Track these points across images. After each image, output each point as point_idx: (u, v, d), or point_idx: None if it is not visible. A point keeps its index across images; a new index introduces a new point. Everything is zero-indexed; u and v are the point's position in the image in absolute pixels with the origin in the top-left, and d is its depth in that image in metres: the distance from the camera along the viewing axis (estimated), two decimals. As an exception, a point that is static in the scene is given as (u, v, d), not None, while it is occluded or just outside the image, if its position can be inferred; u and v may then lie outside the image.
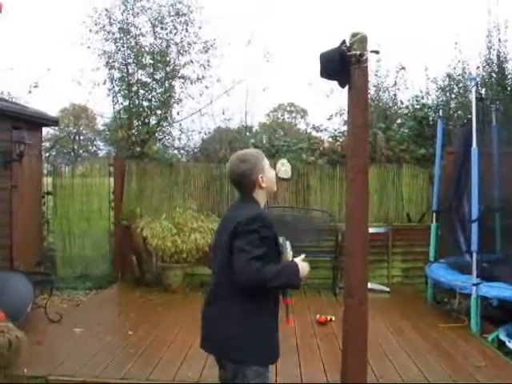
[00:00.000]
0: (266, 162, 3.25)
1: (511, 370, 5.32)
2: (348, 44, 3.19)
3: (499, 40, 10.51)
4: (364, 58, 3.19)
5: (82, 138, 36.36)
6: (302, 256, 3.18)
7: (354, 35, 3.18)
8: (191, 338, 5.96)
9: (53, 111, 25.78)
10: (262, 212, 3.12)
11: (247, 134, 12.04)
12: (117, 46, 10.43)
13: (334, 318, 6.83)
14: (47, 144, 16.02)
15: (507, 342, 6.03)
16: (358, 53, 3.16)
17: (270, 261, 2.94)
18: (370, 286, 8.12)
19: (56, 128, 20.33)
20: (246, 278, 2.88)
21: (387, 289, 8.87)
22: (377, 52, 3.31)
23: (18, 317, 6.17)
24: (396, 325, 6.92)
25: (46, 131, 17.69)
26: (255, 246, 2.92)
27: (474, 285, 6.56)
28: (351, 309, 3.32)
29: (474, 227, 6.69)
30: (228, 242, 3.02)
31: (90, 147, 36.61)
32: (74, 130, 33.56)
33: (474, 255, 6.63)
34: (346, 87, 3.35)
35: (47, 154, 11.55)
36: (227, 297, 3.05)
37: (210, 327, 3.15)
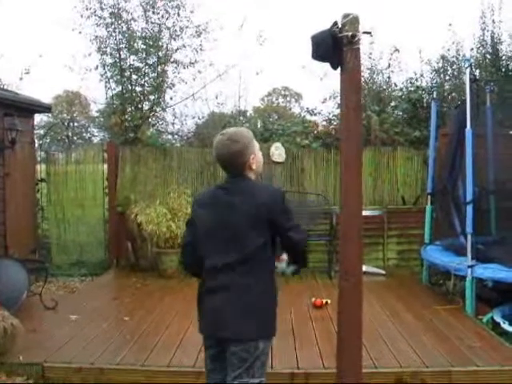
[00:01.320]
0: (256, 143, 3.23)
1: (506, 350, 5.33)
2: (339, 25, 3.15)
3: (493, 21, 10.48)
4: (356, 39, 3.15)
5: (76, 124, 36.23)
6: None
7: (345, 16, 3.13)
8: (187, 322, 5.96)
9: (46, 98, 25.71)
10: (275, 186, 3.31)
11: (241, 118, 12.00)
12: (108, 32, 10.36)
13: (329, 301, 6.82)
14: (41, 131, 15.94)
15: (502, 324, 6.04)
16: (350, 34, 3.12)
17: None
18: (365, 268, 8.17)
19: (50, 115, 20.23)
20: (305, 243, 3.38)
21: (383, 272, 8.88)
22: (369, 33, 3.27)
23: (13, 304, 6.17)
24: (391, 307, 6.93)
25: (40, 118, 17.66)
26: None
27: (468, 266, 6.57)
28: (346, 292, 3.31)
29: (469, 209, 6.69)
30: (255, 223, 3.06)
31: (85, 134, 36.49)
32: (68, 117, 33.43)
33: (469, 237, 6.63)
34: (339, 69, 3.32)
35: (41, 142, 11.45)
36: (245, 277, 3.07)
37: (221, 311, 3.10)
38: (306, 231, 3.25)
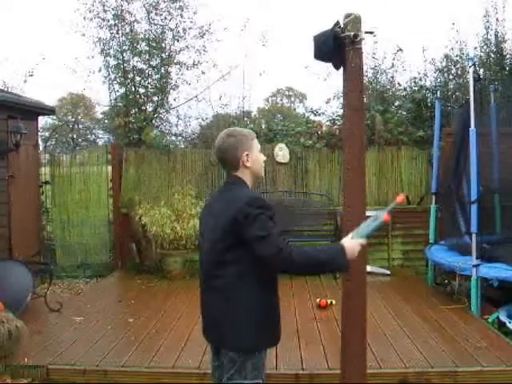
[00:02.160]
0: (256, 144, 3.14)
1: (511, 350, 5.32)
2: (342, 25, 3.15)
3: (497, 20, 10.45)
4: (358, 39, 3.15)
5: (80, 126, 36.29)
6: (350, 235, 3.03)
7: (347, 16, 3.13)
8: (191, 324, 5.97)
9: (51, 101, 25.78)
10: (255, 194, 3.08)
11: (245, 119, 11.99)
12: (111, 33, 10.37)
13: (334, 302, 6.81)
14: (46, 134, 15.96)
15: (507, 323, 6.02)
16: (352, 34, 3.12)
17: None
18: (370, 269, 8.19)
19: (54, 117, 20.26)
20: (284, 268, 2.87)
21: (388, 272, 8.86)
22: (371, 33, 3.26)
23: (17, 307, 6.17)
24: (396, 307, 6.92)
25: (45, 121, 17.67)
26: (270, 227, 2.84)
27: (474, 266, 6.55)
28: (350, 292, 3.31)
29: (474, 208, 6.67)
30: (224, 235, 2.93)
31: (89, 136, 36.52)
32: (73, 119, 33.47)
33: (474, 236, 6.61)
34: (341, 69, 3.31)
35: (46, 144, 11.47)
36: (227, 287, 2.97)
37: (210, 315, 3.12)
38: (285, 246, 2.78)
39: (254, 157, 3.10)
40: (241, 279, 2.93)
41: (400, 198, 3.00)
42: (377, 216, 2.95)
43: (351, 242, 2.93)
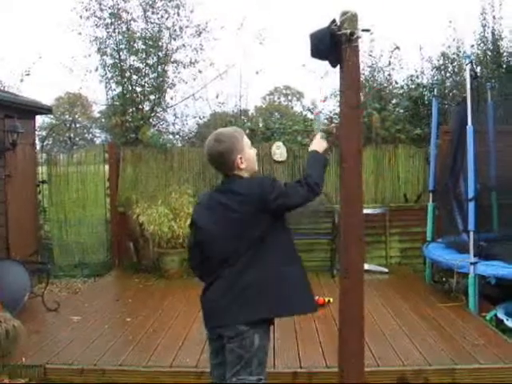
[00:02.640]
0: (245, 141, 3.24)
1: (509, 347, 5.31)
2: (338, 23, 3.14)
3: (494, 17, 10.45)
4: (355, 36, 3.14)
5: (78, 125, 36.22)
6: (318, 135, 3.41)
7: (343, 14, 3.12)
8: (189, 323, 5.97)
9: (48, 100, 25.72)
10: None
11: (242, 117, 11.97)
12: (108, 32, 10.36)
13: (331, 300, 6.81)
14: (43, 133, 15.94)
15: (505, 320, 6.04)
16: (349, 31, 3.10)
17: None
18: (367, 267, 8.21)
19: (52, 116, 20.25)
20: (307, 198, 3.21)
21: (385, 270, 8.87)
22: (368, 30, 3.25)
23: (15, 306, 6.17)
24: (394, 305, 6.92)
25: (42, 120, 17.65)
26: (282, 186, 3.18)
27: (471, 264, 6.55)
28: (347, 290, 3.30)
29: (471, 206, 6.67)
30: (249, 218, 3.10)
31: (87, 135, 36.46)
32: (70, 118, 33.41)
33: (471, 234, 6.61)
34: (338, 67, 3.30)
35: (44, 143, 11.46)
36: (240, 267, 3.10)
37: (213, 300, 3.18)
38: (302, 186, 3.24)
39: (247, 156, 3.22)
40: (258, 258, 3.10)
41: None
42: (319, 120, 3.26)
43: (314, 143, 3.42)
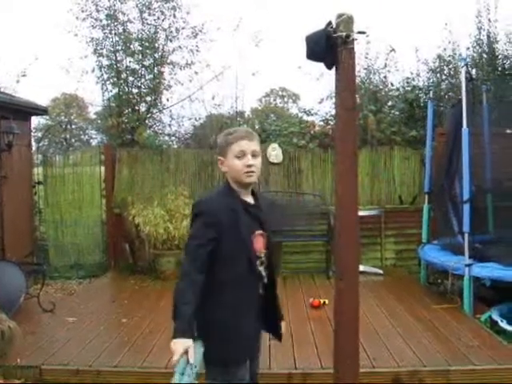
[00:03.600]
0: (232, 149, 3.01)
1: (504, 349, 5.35)
2: (334, 25, 3.15)
3: (489, 20, 10.48)
4: (350, 39, 3.15)
5: (74, 127, 36.16)
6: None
7: (339, 16, 3.13)
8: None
9: (44, 101, 25.68)
10: (206, 198, 3.14)
11: (238, 119, 11.98)
12: (104, 33, 10.33)
13: (327, 302, 6.83)
14: (39, 134, 15.92)
15: (500, 322, 6.05)
16: (344, 34, 3.11)
17: (218, 251, 2.90)
18: (362, 268, 8.22)
19: (48, 118, 20.21)
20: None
21: (380, 271, 8.88)
22: (364, 33, 3.26)
23: (10, 307, 6.15)
24: (389, 307, 6.94)
25: (38, 121, 17.61)
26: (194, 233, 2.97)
27: (466, 266, 6.57)
28: (342, 292, 3.30)
29: (466, 208, 6.70)
30: None
31: (83, 136, 36.41)
32: (66, 119, 33.36)
33: (466, 236, 6.64)
34: (334, 69, 3.32)
35: (40, 144, 11.44)
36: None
37: None
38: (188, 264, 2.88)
39: (229, 162, 3.04)
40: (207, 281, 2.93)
41: None
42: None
43: (179, 342, 2.63)
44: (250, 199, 3.11)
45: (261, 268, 3.11)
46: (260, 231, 3.10)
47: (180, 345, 2.61)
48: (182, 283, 2.80)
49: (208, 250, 2.87)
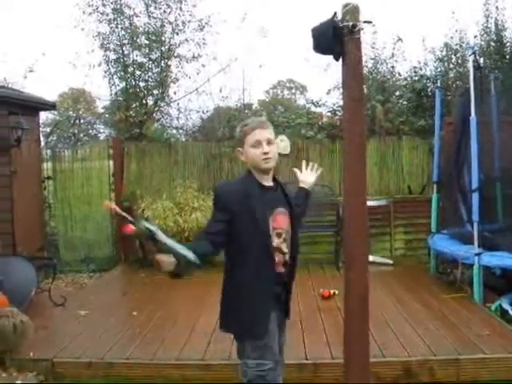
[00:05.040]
0: (249, 139, 3.26)
1: (515, 337, 5.33)
2: (340, 16, 3.15)
3: (497, 8, 10.43)
4: (357, 28, 3.14)
5: (82, 121, 36.22)
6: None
7: (345, 6, 3.13)
8: (195, 316, 6.01)
9: (52, 96, 25.72)
10: (223, 182, 3.46)
11: (246, 111, 11.98)
12: (111, 28, 10.35)
13: (337, 292, 6.83)
14: (47, 129, 15.97)
15: (510, 311, 6.05)
16: (351, 24, 3.11)
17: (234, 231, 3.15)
18: (372, 258, 8.23)
19: (56, 113, 20.25)
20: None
21: (390, 261, 8.88)
22: (370, 22, 3.26)
23: (22, 301, 6.19)
24: (399, 296, 6.94)
25: (46, 116, 17.67)
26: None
27: (476, 255, 6.56)
28: (352, 282, 3.32)
29: (475, 197, 6.67)
30: None
31: (91, 130, 36.48)
32: (74, 114, 33.42)
33: (476, 225, 6.62)
34: (341, 60, 3.31)
35: (49, 139, 11.50)
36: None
37: None
38: (204, 233, 3.26)
39: (247, 152, 3.29)
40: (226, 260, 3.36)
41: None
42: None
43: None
44: (269, 183, 3.33)
45: (283, 245, 3.29)
46: (281, 209, 3.31)
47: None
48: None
49: (221, 227, 3.15)
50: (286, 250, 3.30)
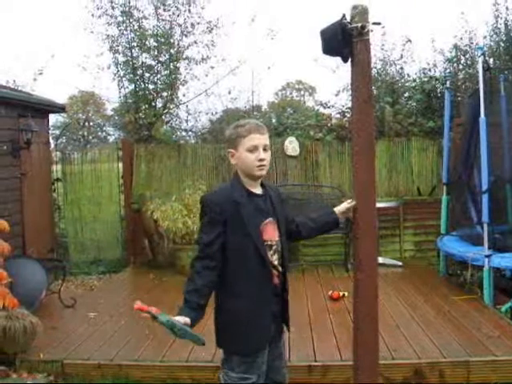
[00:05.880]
0: (245, 142, 3.04)
1: (525, 339, 5.31)
2: (349, 17, 3.14)
3: (506, 8, 10.38)
4: (366, 30, 3.14)
5: (91, 124, 36.36)
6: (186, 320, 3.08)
7: (354, 8, 3.12)
8: (205, 318, 5.98)
9: (62, 98, 25.85)
10: (210, 194, 3.24)
11: (255, 113, 12.00)
12: (120, 30, 10.40)
13: (346, 294, 6.82)
14: (57, 132, 16.05)
15: (520, 313, 6.02)
16: (360, 25, 3.11)
17: (230, 247, 3.00)
18: (382, 260, 8.21)
19: (65, 115, 20.36)
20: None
21: (399, 263, 8.85)
22: (379, 24, 3.25)
23: (32, 303, 6.23)
24: (409, 298, 6.92)
25: (55, 119, 17.76)
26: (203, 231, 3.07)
27: (485, 256, 6.53)
28: (361, 283, 3.31)
29: (485, 198, 6.64)
30: None
31: (100, 133, 36.62)
32: (83, 117, 33.55)
33: (485, 226, 6.59)
34: (350, 62, 3.31)
35: (57, 142, 11.56)
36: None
37: None
38: (198, 259, 3.04)
39: (241, 156, 3.07)
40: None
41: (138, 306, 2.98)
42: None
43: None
44: (258, 190, 3.15)
45: (274, 257, 3.13)
46: (270, 219, 3.13)
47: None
48: (194, 276, 3.05)
49: (217, 246, 2.98)
50: (276, 262, 3.14)
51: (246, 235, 3.00)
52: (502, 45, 10.31)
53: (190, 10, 10.62)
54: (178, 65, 10.64)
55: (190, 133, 11.97)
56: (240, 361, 3.04)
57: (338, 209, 3.39)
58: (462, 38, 10.77)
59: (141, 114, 10.29)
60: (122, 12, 10.37)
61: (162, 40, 10.34)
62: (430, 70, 10.80)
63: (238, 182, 3.11)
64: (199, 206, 3.13)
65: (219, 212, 2.98)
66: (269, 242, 3.10)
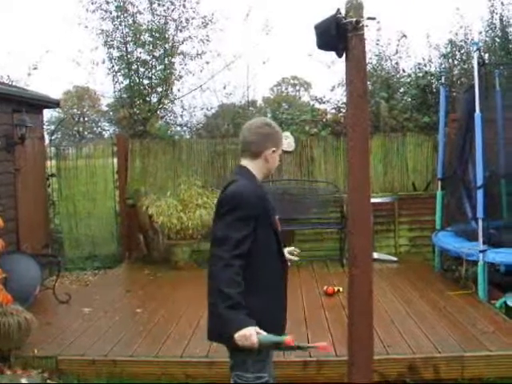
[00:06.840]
0: (280, 148, 3.24)
1: (520, 334, 5.31)
2: (343, 12, 3.13)
3: (502, 3, 10.39)
4: (360, 25, 3.13)
5: (86, 119, 36.24)
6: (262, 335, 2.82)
7: (348, 2, 3.12)
8: (199, 313, 5.97)
9: (56, 94, 25.78)
10: (246, 188, 2.99)
11: (251, 108, 11.98)
12: (114, 25, 10.37)
13: (341, 289, 6.82)
14: (51, 127, 15.99)
15: (515, 308, 6.03)
16: (354, 20, 3.10)
17: (259, 241, 2.95)
18: (377, 256, 8.22)
19: (60, 110, 20.28)
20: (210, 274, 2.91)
21: (395, 258, 8.87)
22: (373, 18, 3.24)
23: (26, 299, 6.22)
24: (404, 294, 6.93)
25: (50, 114, 17.70)
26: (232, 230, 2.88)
27: (480, 251, 6.53)
28: (355, 278, 3.30)
29: (480, 194, 6.65)
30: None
31: (95, 128, 36.50)
32: (78, 112, 33.43)
33: (480, 222, 6.60)
34: (344, 57, 3.30)
35: (53, 137, 11.52)
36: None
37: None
38: (229, 259, 2.81)
39: (274, 156, 3.18)
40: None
41: (323, 345, 2.94)
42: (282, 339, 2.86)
43: (250, 330, 2.75)
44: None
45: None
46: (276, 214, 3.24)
47: (249, 331, 2.74)
48: (227, 272, 2.80)
49: (249, 244, 2.89)
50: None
51: (271, 229, 3.09)
52: (498, 40, 10.31)
53: (184, 5, 10.60)
54: (172, 60, 10.62)
55: (184, 128, 11.94)
56: (255, 359, 2.99)
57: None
58: (457, 34, 10.76)
59: (135, 109, 10.27)
60: (116, 7, 10.33)
61: (157, 35, 10.31)
62: (425, 65, 10.78)
63: (255, 179, 3.12)
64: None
65: (255, 207, 2.94)
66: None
